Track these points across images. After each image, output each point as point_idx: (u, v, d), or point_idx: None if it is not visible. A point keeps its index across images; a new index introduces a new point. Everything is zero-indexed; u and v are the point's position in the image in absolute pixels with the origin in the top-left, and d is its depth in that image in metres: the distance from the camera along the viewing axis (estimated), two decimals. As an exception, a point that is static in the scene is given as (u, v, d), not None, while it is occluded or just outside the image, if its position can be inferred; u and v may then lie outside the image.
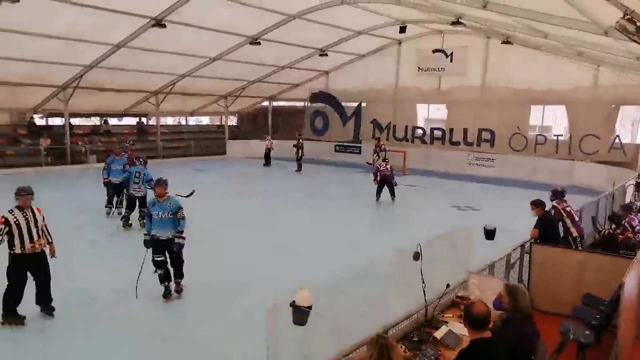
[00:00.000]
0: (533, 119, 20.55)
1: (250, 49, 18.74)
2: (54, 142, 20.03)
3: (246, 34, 17.92)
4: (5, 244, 5.81)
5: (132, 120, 25.22)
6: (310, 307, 3.29)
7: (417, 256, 4.37)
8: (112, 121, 24.43)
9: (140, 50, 17.08)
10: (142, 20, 15.04)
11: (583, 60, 16.26)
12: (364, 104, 24.71)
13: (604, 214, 9.86)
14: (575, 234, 7.39)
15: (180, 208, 6.79)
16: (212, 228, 10.26)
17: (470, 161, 20.97)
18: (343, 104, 25.27)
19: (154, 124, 24.55)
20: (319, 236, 10.24)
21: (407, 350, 3.76)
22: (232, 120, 29.15)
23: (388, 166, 14.04)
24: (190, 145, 24.48)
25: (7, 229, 5.74)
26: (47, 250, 6.08)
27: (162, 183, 6.93)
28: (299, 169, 20.62)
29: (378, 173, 14.09)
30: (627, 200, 11.16)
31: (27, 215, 5.90)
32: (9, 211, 5.89)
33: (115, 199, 11.41)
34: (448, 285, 4.69)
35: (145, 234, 6.85)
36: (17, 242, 5.80)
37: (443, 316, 4.56)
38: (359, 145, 24.34)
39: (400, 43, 22.65)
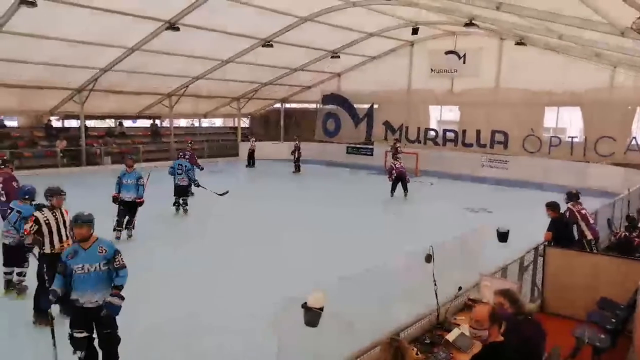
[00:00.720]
0: (547, 120, 20.32)
1: (262, 51, 18.86)
2: (70, 144, 20.36)
3: (258, 37, 18.03)
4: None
5: (146, 122, 25.48)
6: (322, 309, 3.31)
7: (429, 258, 4.36)
8: (127, 123, 24.70)
9: (154, 53, 17.29)
10: (156, 24, 15.21)
11: (599, 61, 16.06)
12: (376, 106, 24.65)
13: (620, 217, 9.72)
14: (590, 236, 7.30)
15: (116, 252, 4.64)
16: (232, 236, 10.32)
17: (483, 163, 20.82)
18: (355, 105, 25.26)
19: (168, 125, 24.81)
20: (332, 237, 10.23)
21: (418, 353, 3.76)
22: (245, 122, 29.33)
23: (402, 162, 15.25)
24: (203, 147, 24.69)
25: (36, 227, 5.77)
26: None
27: (84, 221, 4.58)
28: (297, 170, 20.80)
29: (394, 171, 14.80)
30: (644, 203, 10.98)
31: (56, 215, 5.95)
32: (38, 210, 5.94)
33: (126, 219, 9.60)
34: (460, 288, 4.67)
35: (52, 290, 4.61)
36: (47, 241, 5.85)
37: (455, 319, 4.54)
38: (371, 147, 24.33)
39: (412, 45, 22.57)
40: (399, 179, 14.76)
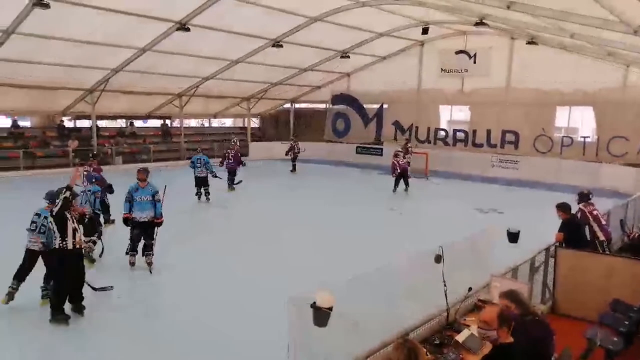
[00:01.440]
0: (559, 120, 20.12)
1: (272, 51, 18.89)
2: (82, 144, 20.56)
3: (268, 37, 18.07)
4: (58, 240, 5.95)
5: (156, 123, 25.65)
6: (331, 309, 3.29)
7: (438, 259, 4.34)
8: (138, 123, 24.89)
9: (165, 54, 17.41)
10: (167, 25, 15.31)
11: (612, 60, 15.85)
12: (385, 106, 24.57)
13: (633, 218, 9.59)
14: (602, 237, 7.22)
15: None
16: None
17: (494, 163, 20.65)
18: (365, 105, 25.20)
19: (178, 125, 24.94)
20: (341, 236, 10.22)
21: (428, 353, 3.74)
22: (255, 123, 29.39)
23: (405, 160, 16.16)
24: (214, 147, 24.77)
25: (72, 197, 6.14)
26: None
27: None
28: (294, 169, 20.79)
29: (397, 167, 15.65)
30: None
31: (68, 215, 6.06)
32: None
33: (141, 243, 8.11)
34: (470, 289, 4.64)
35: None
36: (58, 236, 5.96)
37: (465, 320, 4.51)
38: (381, 147, 24.24)
39: (422, 44, 22.46)
40: (402, 175, 15.67)
